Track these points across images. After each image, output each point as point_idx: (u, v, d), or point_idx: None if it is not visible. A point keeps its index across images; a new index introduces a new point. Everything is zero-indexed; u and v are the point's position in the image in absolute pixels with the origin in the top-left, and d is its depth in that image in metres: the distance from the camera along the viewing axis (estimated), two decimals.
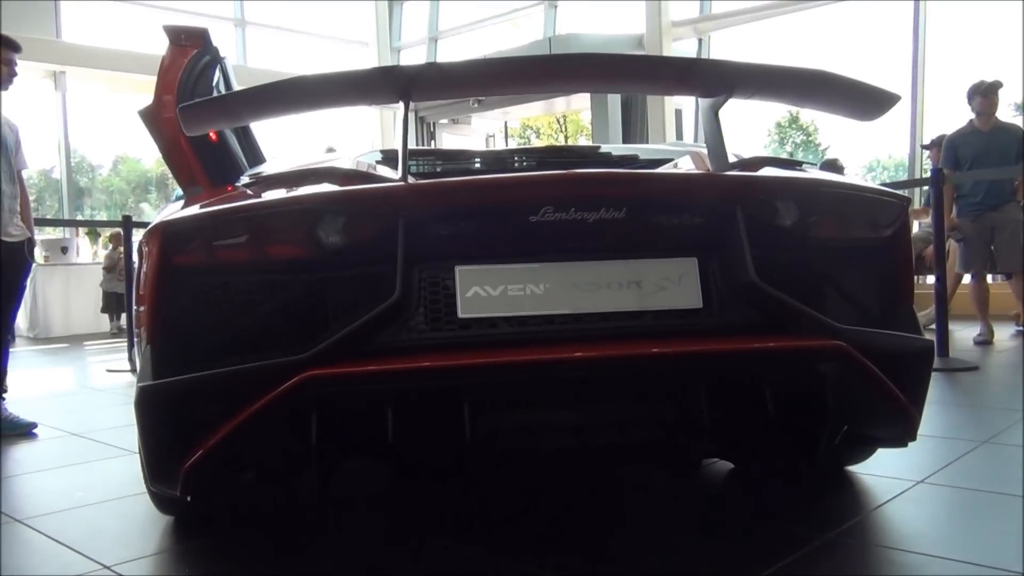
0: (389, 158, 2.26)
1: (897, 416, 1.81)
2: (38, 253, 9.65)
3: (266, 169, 2.21)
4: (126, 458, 2.87)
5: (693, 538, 1.94)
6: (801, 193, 1.85)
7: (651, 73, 2.09)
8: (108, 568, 1.84)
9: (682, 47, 10.12)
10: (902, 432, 1.89)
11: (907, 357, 1.86)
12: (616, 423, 1.76)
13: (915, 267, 5.24)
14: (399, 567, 1.81)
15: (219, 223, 1.71)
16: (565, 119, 22.70)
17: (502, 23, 12.26)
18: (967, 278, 5.76)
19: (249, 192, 1.84)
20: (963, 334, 5.70)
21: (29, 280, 3.89)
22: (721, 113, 1.90)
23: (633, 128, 10.25)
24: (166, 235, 1.68)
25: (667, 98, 9.74)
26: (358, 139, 12.69)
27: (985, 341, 5.40)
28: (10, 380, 3.69)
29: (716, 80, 1.90)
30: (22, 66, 3.65)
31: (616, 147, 2.62)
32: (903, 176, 9.46)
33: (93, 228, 10.50)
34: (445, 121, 12.91)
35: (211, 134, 2.40)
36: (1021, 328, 5.90)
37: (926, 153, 6.98)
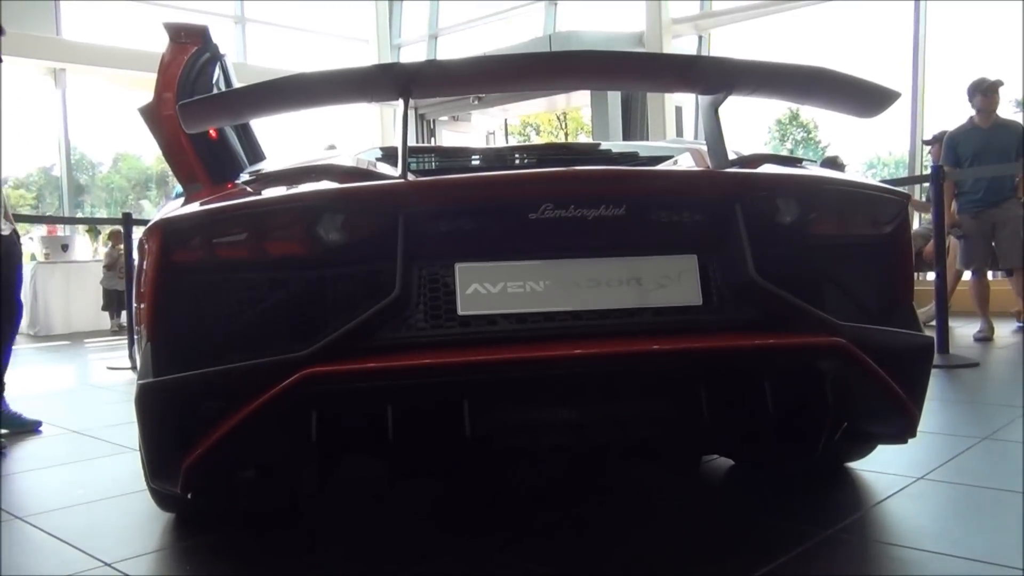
0: (389, 155, 2.26)
1: (897, 412, 1.81)
2: (38, 250, 9.67)
3: (266, 166, 2.21)
4: (126, 455, 2.87)
5: (693, 534, 1.95)
6: (801, 190, 1.85)
7: (651, 70, 2.09)
8: (109, 565, 1.84)
9: (682, 44, 10.11)
10: (902, 428, 1.89)
11: (907, 353, 1.86)
12: (616, 420, 1.76)
13: (915, 264, 5.26)
14: (399, 565, 1.81)
15: (219, 220, 1.71)
16: (565, 116, 22.70)
17: (502, 20, 12.25)
18: (967, 275, 5.77)
19: (249, 189, 1.84)
20: (963, 331, 5.70)
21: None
22: (722, 111, 1.90)
23: (633, 125, 10.24)
24: (166, 232, 1.68)
25: (667, 95, 9.74)
26: (359, 137, 12.69)
27: (985, 338, 5.40)
28: (11, 378, 3.69)
29: (716, 77, 1.90)
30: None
31: (616, 144, 2.62)
32: (904, 173, 9.45)
33: (93, 226, 10.47)
34: (445, 118, 12.90)
35: (211, 131, 2.40)
36: (1021, 324, 5.90)
37: (927, 149, 6.97)
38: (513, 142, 17.40)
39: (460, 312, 1.63)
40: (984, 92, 5.50)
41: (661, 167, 2.09)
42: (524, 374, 1.61)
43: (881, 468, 2.31)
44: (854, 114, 2.02)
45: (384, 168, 1.95)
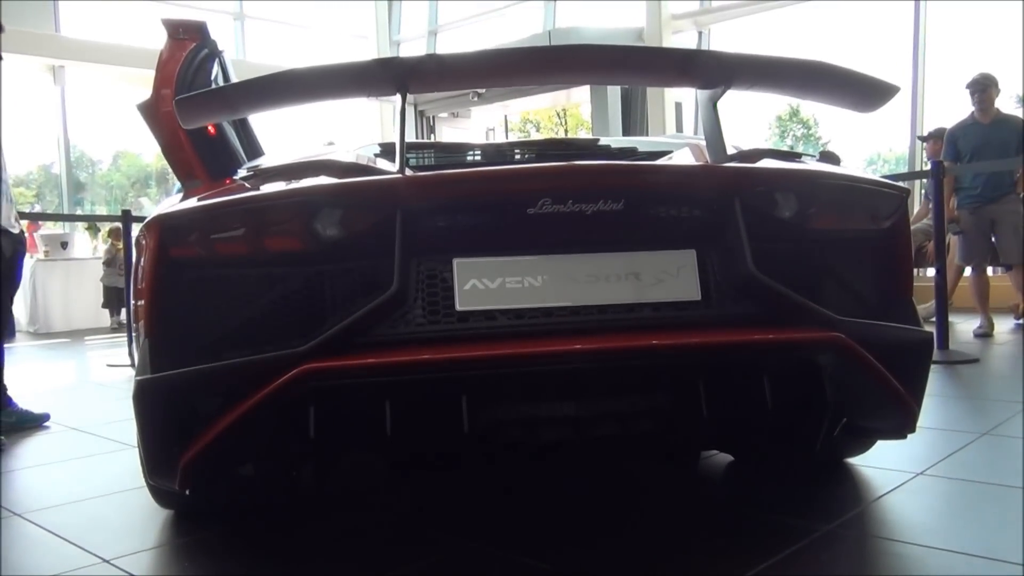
0: (387, 151, 2.26)
1: (896, 408, 1.81)
2: (39, 248, 9.65)
3: (264, 162, 2.20)
4: (125, 452, 2.87)
5: (692, 530, 1.94)
6: (799, 184, 1.84)
7: (649, 64, 2.09)
8: (107, 562, 1.84)
9: (682, 40, 10.09)
10: (901, 424, 1.89)
11: (906, 349, 1.86)
12: (615, 415, 1.76)
13: (916, 260, 5.25)
14: (397, 561, 1.81)
15: (216, 216, 1.71)
16: (565, 112, 22.68)
17: (501, 17, 12.23)
18: (967, 271, 5.76)
19: (247, 185, 1.84)
20: (963, 327, 5.70)
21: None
22: (722, 107, 1.90)
23: (633, 122, 10.23)
24: (163, 228, 1.67)
25: (667, 91, 9.73)
26: (358, 133, 12.69)
27: (985, 334, 5.40)
28: (10, 376, 3.69)
29: (714, 71, 1.89)
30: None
31: (615, 140, 2.62)
32: (904, 169, 9.44)
33: (92, 223, 10.44)
34: (445, 115, 12.87)
35: (209, 127, 2.40)
36: (1021, 321, 5.90)
37: (923, 145, 6.97)
38: (513, 138, 17.36)
39: (458, 307, 1.63)
40: (983, 89, 5.50)
41: (659, 162, 2.09)
42: (522, 369, 1.61)
43: (880, 464, 2.30)
44: (853, 108, 2.01)
45: (382, 164, 1.94)
